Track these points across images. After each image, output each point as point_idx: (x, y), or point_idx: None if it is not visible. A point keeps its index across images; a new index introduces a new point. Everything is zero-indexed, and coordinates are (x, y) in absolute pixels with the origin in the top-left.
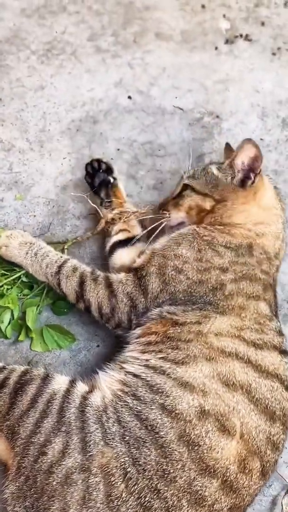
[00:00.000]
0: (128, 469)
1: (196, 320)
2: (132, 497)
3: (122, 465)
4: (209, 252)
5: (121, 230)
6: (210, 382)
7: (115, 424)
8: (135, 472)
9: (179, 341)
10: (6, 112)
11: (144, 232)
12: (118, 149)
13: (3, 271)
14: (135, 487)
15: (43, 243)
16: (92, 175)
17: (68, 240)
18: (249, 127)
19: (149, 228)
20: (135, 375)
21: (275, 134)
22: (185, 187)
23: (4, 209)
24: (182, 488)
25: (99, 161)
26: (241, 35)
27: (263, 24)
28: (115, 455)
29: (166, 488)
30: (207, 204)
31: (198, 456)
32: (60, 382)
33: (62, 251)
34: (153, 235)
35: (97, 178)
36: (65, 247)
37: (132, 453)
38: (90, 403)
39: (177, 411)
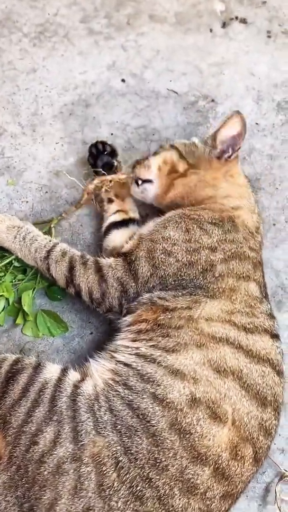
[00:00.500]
0: (120, 458)
1: (187, 305)
2: (124, 486)
3: (113, 454)
4: (197, 232)
5: (118, 211)
6: (201, 369)
7: (106, 412)
8: (126, 461)
9: (169, 328)
10: None
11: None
12: (112, 134)
13: None
14: (127, 476)
15: (31, 226)
16: (96, 157)
17: (53, 218)
18: (244, 111)
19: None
20: (126, 364)
21: (270, 118)
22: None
23: None
24: (174, 477)
25: (103, 143)
26: (236, 17)
27: (258, 6)
28: (107, 444)
29: (158, 477)
30: (181, 165)
31: (189, 444)
32: (51, 371)
33: (49, 230)
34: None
35: (100, 160)
36: (52, 225)
37: (124, 442)
38: (82, 391)
39: (168, 400)
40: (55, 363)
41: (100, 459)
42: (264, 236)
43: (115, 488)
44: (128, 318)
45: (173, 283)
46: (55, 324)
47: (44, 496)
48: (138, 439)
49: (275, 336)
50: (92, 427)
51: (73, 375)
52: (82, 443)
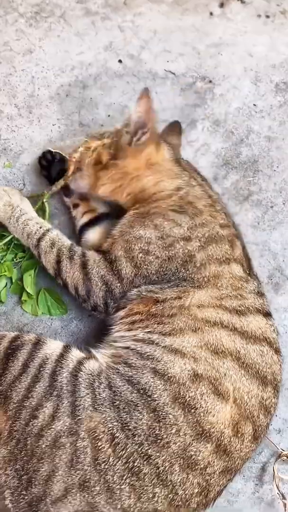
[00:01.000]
0: (116, 434)
1: (176, 295)
2: (119, 462)
3: (109, 430)
4: (166, 225)
5: (85, 213)
6: (199, 350)
7: (105, 390)
8: (123, 437)
9: (163, 317)
10: None
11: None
12: (109, 115)
13: None
14: (123, 452)
15: (26, 206)
16: (48, 168)
17: (44, 192)
18: (242, 92)
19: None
20: (125, 348)
21: (268, 100)
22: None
23: None
24: (175, 454)
25: (50, 152)
26: None
27: None
28: (103, 420)
29: (157, 454)
30: (104, 156)
31: (195, 420)
32: (52, 347)
33: (43, 205)
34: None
35: (54, 169)
36: (44, 200)
37: (121, 418)
38: (85, 368)
39: (169, 375)
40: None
41: (96, 435)
42: (262, 219)
43: (110, 463)
44: (120, 313)
45: (156, 279)
46: (55, 305)
47: (41, 469)
48: (138, 414)
49: (267, 315)
50: (90, 403)
51: (77, 353)
52: (79, 417)
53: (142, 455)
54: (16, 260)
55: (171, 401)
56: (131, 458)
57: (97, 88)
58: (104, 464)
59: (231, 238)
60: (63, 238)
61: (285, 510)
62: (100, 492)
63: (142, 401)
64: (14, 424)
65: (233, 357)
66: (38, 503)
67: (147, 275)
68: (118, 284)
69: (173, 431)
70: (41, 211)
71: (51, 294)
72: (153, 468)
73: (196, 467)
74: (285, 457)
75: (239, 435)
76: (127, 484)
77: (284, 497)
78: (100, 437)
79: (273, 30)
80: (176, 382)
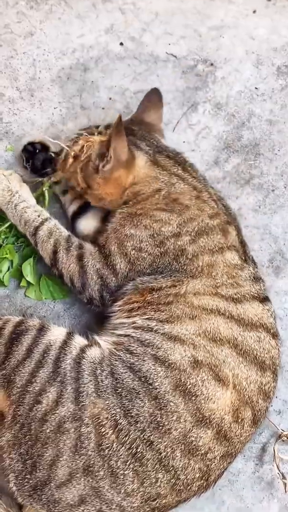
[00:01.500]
0: (119, 421)
1: (171, 284)
2: (123, 448)
3: (113, 416)
4: (154, 225)
5: (73, 200)
6: (197, 338)
7: (108, 377)
8: (126, 423)
9: (159, 304)
10: None
11: None
12: (110, 98)
13: None
14: (126, 438)
15: (25, 192)
16: (32, 160)
17: (44, 181)
18: (243, 76)
19: None
20: (125, 335)
21: (270, 83)
22: None
23: None
24: (176, 440)
25: (31, 143)
26: None
27: None
28: (106, 406)
29: (159, 440)
30: (79, 184)
31: (195, 407)
32: (56, 334)
33: (43, 194)
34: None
35: (37, 160)
36: (44, 189)
37: (124, 405)
38: (87, 356)
39: (170, 361)
40: (60, 327)
41: (99, 421)
42: (263, 203)
43: (114, 449)
44: (119, 302)
45: (150, 272)
46: (57, 288)
47: (46, 453)
48: (140, 402)
49: (264, 300)
50: (93, 389)
51: (80, 340)
52: (83, 404)
53: (144, 441)
54: (18, 244)
55: (172, 389)
56: (134, 444)
57: (98, 71)
58: (107, 449)
59: (222, 227)
60: (61, 229)
61: (285, 489)
62: (104, 477)
63: (144, 389)
64: (18, 409)
65: (231, 344)
66: (42, 487)
67: (141, 270)
68: (113, 278)
69: (174, 418)
70: (41, 198)
71: (52, 280)
72: (155, 454)
73: (197, 452)
74: (285, 438)
75: (239, 420)
76: (130, 470)
77: (284, 477)
78: (103, 423)
79: (274, 13)
80: (177, 368)
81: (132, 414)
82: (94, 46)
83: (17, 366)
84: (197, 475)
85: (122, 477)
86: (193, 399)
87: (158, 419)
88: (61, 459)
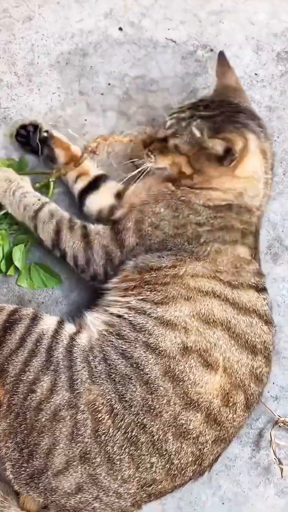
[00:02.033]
0: (115, 406)
1: (172, 264)
2: (119, 432)
3: (108, 401)
4: (186, 211)
5: (78, 177)
6: (190, 320)
7: (101, 362)
8: (121, 408)
9: (156, 284)
10: None
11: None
12: (109, 84)
13: None
14: (122, 423)
15: (23, 181)
16: (27, 142)
17: (53, 172)
18: (243, 61)
19: (134, 172)
20: (118, 316)
21: (269, 69)
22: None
23: None
24: (167, 423)
25: (23, 126)
26: None
27: None
28: (102, 392)
29: (152, 423)
30: (187, 170)
31: (182, 391)
32: (48, 322)
33: (48, 184)
34: (137, 178)
35: (32, 142)
36: (51, 179)
37: (118, 390)
38: (77, 343)
39: (160, 349)
40: (54, 315)
41: (95, 407)
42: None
43: (110, 434)
44: (115, 279)
45: (157, 247)
46: (48, 276)
47: (42, 442)
48: (132, 387)
49: (261, 290)
50: (87, 376)
51: (69, 327)
52: (78, 391)
53: (138, 424)
54: (10, 231)
55: (161, 374)
56: (129, 428)
57: (97, 56)
58: (104, 435)
59: (246, 231)
60: (61, 210)
61: (281, 474)
62: (101, 463)
63: (135, 374)
64: (12, 398)
65: (224, 326)
66: (39, 475)
67: (149, 245)
68: (119, 253)
69: (164, 401)
70: (44, 189)
71: (42, 267)
72: (149, 437)
73: (189, 436)
74: (281, 424)
75: (231, 404)
76: (126, 454)
77: (280, 462)
78: (99, 408)
79: None
80: (166, 356)
81: (126, 398)
82: (93, 31)
83: (10, 355)
84: (190, 459)
85: (118, 462)
86: (180, 384)
87: (150, 403)
88: (57, 447)
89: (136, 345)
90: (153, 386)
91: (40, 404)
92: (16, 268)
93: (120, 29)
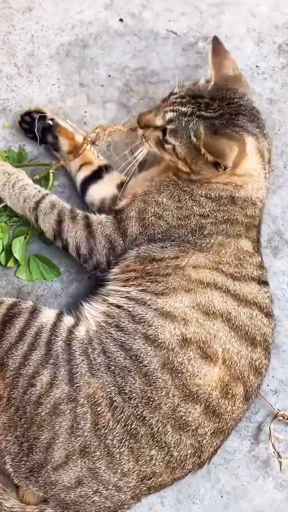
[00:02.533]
0: (114, 398)
1: (174, 255)
2: (118, 425)
3: (108, 394)
4: (189, 202)
5: (81, 166)
6: (190, 311)
7: (100, 355)
8: (121, 400)
9: (157, 276)
10: None
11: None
12: (109, 75)
13: None
14: (121, 415)
15: (22, 174)
16: (31, 130)
17: (52, 163)
18: (244, 54)
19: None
20: (117, 306)
21: (271, 61)
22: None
23: None
24: (166, 415)
25: (28, 113)
26: None
27: None
28: (101, 385)
29: (151, 415)
30: (185, 168)
31: (181, 383)
32: (47, 315)
33: (47, 176)
34: (133, 164)
35: (36, 129)
36: (50, 171)
37: (117, 382)
38: (76, 336)
39: (159, 340)
40: (53, 308)
41: (95, 400)
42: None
43: (110, 427)
44: (115, 270)
45: (161, 238)
46: (47, 269)
47: (42, 436)
48: (132, 379)
49: (263, 283)
50: (86, 369)
51: (68, 320)
52: (78, 384)
53: (138, 417)
54: (10, 223)
55: (160, 366)
56: (129, 420)
57: (98, 47)
58: (104, 428)
59: (249, 225)
60: (62, 201)
61: (280, 468)
62: (100, 457)
63: (134, 366)
64: (12, 392)
65: (224, 318)
66: (39, 469)
67: (152, 235)
68: (121, 242)
69: (163, 393)
70: (43, 180)
71: (42, 260)
72: (148, 429)
73: (188, 428)
74: (281, 417)
75: (230, 396)
76: (126, 447)
77: (279, 456)
78: (99, 402)
79: None
80: (165, 348)
81: (126, 391)
82: (94, 22)
83: (9, 348)
84: (190, 451)
85: (118, 456)
86: (179, 376)
87: (149, 395)
88: (57, 441)
89: (135, 337)
90: (152, 378)
91: (40, 398)
92: (16, 260)
93: (121, 20)
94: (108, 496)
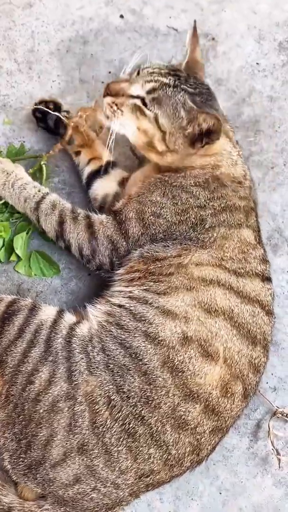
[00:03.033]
0: (112, 397)
1: (177, 253)
2: (116, 424)
3: (106, 393)
4: (183, 195)
5: (90, 160)
6: (192, 309)
7: (99, 353)
8: (119, 399)
9: (160, 275)
10: None
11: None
12: (110, 72)
13: None
14: (119, 414)
15: (21, 172)
16: (44, 119)
17: (42, 155)
18: (245, 51)
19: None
20: (119, 306)
21: (271, 58)
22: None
23: None
24: (166, 414)
25: (43, 102)
26: None
27: None
28: (99, 383)
29: (150, 415)
30: (160, 146)
31: (182, 382)
32: (47, 313)
33: (40, 168)
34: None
35: (50, 120)
36: (42, 163)
37: (116, 381)
38: (77, 333)
39: (160, 338)
40: (52, 305)
41: (93, 398)
42: (262, 180)
43: (108, 426)
44: (120, 271)
45: (163, 237)
46: (47, 265)
47: (40, 433)
48: (131, 378)
49: (266, 279)
50: (85, 367)
51: (69, 317)
52: (76, 382)
53: (136, 416)
54: (13, 219)
55: (160, 365)
56: (127, 419)
57: (98, 44)
58: (101, 427)
59: (247, 209)
60: (63, 201)
61: (279, 465)
62: (98, 455)
63: (134, 365)
64: (11, 389)
65: (226, 316)
66: (37, 466)
67: (154, 234)
68: (124, 243)
69: (163, 392)
70: (38, 173)
71: (42, 256)
72: (147, 429)
73: (187, 427)
74: (279, 414)
75: (229, 395)
76: (124, 446)
77: (278, 453)
78: (97, 400)
79: None
80: (166, 346)
81: (124, 390)
82: (94, 19)
83: (8, 346)
84: (188, 449)
85: (116, 454)
86: (180, 375)
87: (148, 394)
88: (55, 438)
89: (136, 335)
90: (151, 377)
91: (38, 395)
92: (17, 256)
93: (121, 16)
94: (106, 493)
